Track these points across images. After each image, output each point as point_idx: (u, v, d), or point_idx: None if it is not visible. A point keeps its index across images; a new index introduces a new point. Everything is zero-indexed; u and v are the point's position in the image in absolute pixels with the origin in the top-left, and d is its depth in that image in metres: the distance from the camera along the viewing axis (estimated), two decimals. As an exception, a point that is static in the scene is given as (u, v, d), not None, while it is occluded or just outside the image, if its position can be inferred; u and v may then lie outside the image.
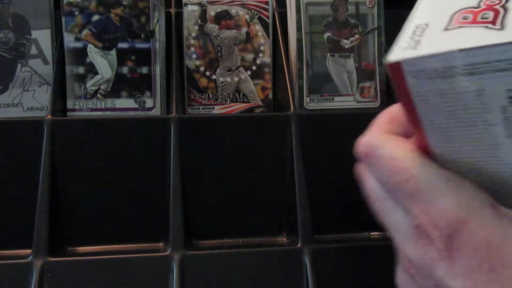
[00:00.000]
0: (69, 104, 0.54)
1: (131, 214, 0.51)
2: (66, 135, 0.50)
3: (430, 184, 0.25)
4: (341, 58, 0.57)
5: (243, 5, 0.57)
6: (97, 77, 0.54)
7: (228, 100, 0.57)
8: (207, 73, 0.56)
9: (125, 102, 0.55)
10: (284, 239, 0.52)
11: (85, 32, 0.55)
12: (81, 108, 0.54)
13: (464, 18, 0.24)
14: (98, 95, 0.54)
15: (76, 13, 0.54)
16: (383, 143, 0.27)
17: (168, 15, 0.58)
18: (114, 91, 0.55)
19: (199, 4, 0.57)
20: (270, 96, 0.57)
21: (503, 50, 0.22)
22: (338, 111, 0.56)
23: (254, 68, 0.57)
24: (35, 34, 0.55)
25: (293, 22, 0.57)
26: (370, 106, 0.57)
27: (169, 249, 0.47)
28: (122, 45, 0.55)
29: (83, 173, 0.50)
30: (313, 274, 0.46)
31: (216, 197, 0.52)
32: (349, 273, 0.47)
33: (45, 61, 0.55)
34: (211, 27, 0.57)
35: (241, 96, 0.57)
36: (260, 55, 0.57)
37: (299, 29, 0.56)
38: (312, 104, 0.56)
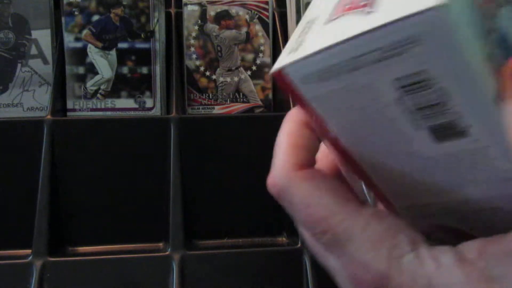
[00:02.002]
0: (69, 104, 0.54)
1: (131, 214, 0.51)
2: (66, 135, 0.50)
3: (349, 236, 0.23)
4: (341, 58, 0.57)
5: (243, 5, 0.57)
6: (97, 77, 0.54)
7: (228, 100, 0.56)
8: (207, 73, 0.56)
9: (125, 102, 0.55)
10: (284, 239, 0.52)
11: (85, 32, 0.55)
12: (81, 108, 0.54)
13: (349, 3, 0.20)
14: (98, 95, 0.54)
15: (76, 13, 0.54)
16: (293, 184, 0.24)
17: (168, 15, 0.58)
18: (114, 91, 0.55)
19: (199, 4, 0.57)
20: (270, 96, 0.57)
21: (370, 40, 0.19)
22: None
23: (254, 68, 0.57)
24: (35, 34, 0.55)
25: (293, 22, 0.57)
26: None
27: (169, 249, 0.47)
28: (122, 45, 0.55)
29: (83, 173, 0.50)
30: (313, 274, 0.46)
31: (216, 197, 0.52)
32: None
33: (45, 61, 0.55)
34: (211, 27, 0.57)
35: (241, 96, 0.57)
36: (260, 55, 0.57)
37: (299, 29, 0.56)
38: (312, 104, 0.56)
